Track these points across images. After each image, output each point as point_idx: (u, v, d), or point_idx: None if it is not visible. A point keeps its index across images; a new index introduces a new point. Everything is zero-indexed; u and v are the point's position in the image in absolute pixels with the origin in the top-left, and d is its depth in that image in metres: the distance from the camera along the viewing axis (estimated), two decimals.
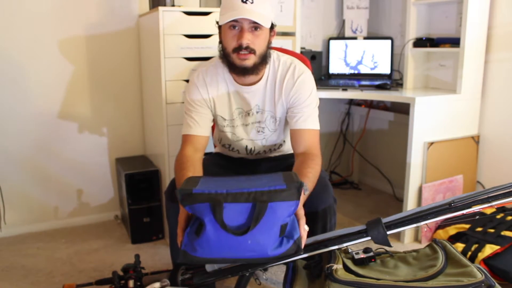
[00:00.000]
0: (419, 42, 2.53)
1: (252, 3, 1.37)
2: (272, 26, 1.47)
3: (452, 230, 2.10)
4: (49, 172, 2.47)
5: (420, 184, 2.24)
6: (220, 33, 1.48)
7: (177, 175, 1.45)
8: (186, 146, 1.52)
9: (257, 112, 1.58)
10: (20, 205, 2.44)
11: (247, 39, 1.39)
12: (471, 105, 2.35)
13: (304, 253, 1.24)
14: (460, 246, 1.97)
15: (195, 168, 1.44)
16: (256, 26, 1.40)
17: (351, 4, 2.93)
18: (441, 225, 2.17)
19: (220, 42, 1.49)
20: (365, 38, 2.83)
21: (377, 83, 2.52)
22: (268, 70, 1.54)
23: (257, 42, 1.42)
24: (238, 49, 1.41)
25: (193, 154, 1.49)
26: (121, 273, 1.52)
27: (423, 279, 1.15)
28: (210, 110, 1.58)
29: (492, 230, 1.97)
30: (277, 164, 1.69)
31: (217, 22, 1.48)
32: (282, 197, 1.11)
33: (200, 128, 1.54)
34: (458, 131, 2.33)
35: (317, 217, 1.43)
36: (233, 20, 1.38)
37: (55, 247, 2.28)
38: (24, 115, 2.37)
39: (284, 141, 1.69)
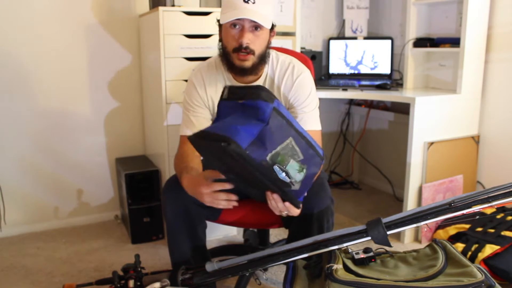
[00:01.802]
0: (419, 42, 2.53)
1: (254, 3, 1.37)
2: (272, 27, 1.47)
3: (452, 230, 2.10)
4: (49, 172, 2.47)
5: (420, 184, 2.24)
6: (220, 31, 1.48)
7: (177, 168, 1.45)
8: (184, 146, 1.52)
9: None
10: (20, 205, 2.44)
11: (248, 38, 1.39)
12: (471, 105, 2.35)
13: (304, 253, 1.24)
14: (460, 246, 1.97)
15: (195, 162, 1.45)
16: (256, 26, 1.40)
17: (351, 4, 2.93)
18: (441, 225, 2.17)
19: (220, 40, 1.49)
20: (365, 38, 2.83)
21: (377, 83, 2.52)
22: (266, 69, 1.54)
23: (257, 42, 1.42)
24: (238, 49, 1.41)
25: (192, 152, 1.49)
26: (121, 273, 1.52)
27: (423, 279, 1.15)
28: (209, 110, 1.58)
29: (492, 230, 1.97)
30: None
31: (218, 21, 1.48)
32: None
33: (198, 129, 1.54)
34: (458, 131, 2.33)
35: (314, 218, 1.42)
36: (234, 19, 1.38)
37: (55, 247, 2.28)
38: (24, 115, 2.36)
39: None
